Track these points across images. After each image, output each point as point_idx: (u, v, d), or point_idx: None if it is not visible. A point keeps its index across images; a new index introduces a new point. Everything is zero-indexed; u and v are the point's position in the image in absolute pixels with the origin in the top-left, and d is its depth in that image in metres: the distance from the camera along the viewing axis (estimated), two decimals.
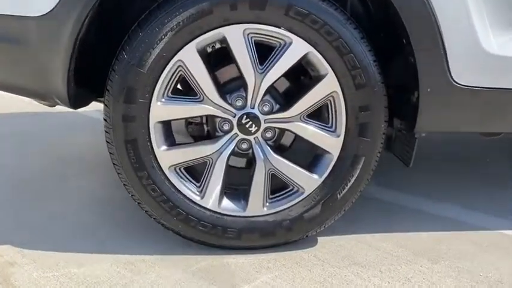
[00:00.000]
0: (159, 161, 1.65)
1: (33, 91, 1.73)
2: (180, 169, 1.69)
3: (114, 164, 1.66)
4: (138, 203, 1.70)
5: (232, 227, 1.71)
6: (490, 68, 1.66)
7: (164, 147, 1.66)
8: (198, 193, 1.70)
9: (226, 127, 1.67)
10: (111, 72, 1.61)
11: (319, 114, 1.71)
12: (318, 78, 1.65)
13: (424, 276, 1.63)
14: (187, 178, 1.70)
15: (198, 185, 1.70)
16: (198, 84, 1.61)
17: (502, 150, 2.79)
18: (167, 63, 1.58)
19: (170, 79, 1.61)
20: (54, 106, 1.88)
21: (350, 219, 1.92)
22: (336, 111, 1.67)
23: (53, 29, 1.58)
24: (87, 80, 1.75)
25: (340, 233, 1.87)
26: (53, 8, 1.57)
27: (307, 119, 1.68)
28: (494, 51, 1.65)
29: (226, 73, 1.71)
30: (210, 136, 1.74)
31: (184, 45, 1.57)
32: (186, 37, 1.57)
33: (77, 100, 1.71)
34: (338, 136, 1.67)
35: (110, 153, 1.65)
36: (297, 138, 1.74)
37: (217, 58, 1.72)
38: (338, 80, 1.62)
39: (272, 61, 1.62)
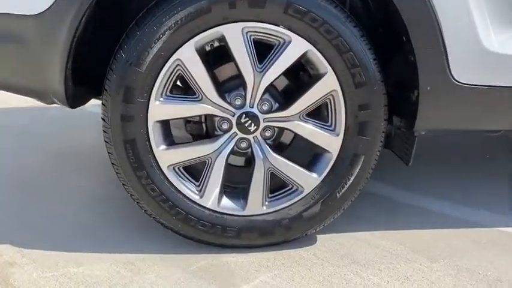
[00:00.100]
0: (158, 160, 1.64)
1: (30, 90, 1.72)
2: (179, 168, 1.69)
3: (113, 163, 1.66)
4: (137, 202, 1.69)
5: (232, 226, 1.71)
6: (490, 66, 1.66)
7: (163, 146, 1.65)
8: (197, 192, 1.69)
9: (225, 126, 1.66)
10: (109, 72, 1.59)
11: (318, 113, 1.70)
12: (318, 76, 1.64)
13: (423, 274, 1.63)
14: (186, 177, 1.70)
15: (197, 184, 1.70)
16: (197, 83, 1.60)
17: (502, 147, 2.78)
18: (165, 62, 1.57)
19: (169, 78, 1.60)
20: (52, 104, 1.87)
21: (349, 216, 1.92)
22: (335, 109, 1.66)
23: (49, 28, 1.57)
24: (85, 78, 1.74)
25: (340, 230, 1.87)
26: (50, 6, 1.55)
27: (306, 117, 1.67)
28: (495, 49, 1.64)
29: (225, 72, 1.70)
30: (209, 135, 1.73)
31: (183, 44, 1.56)
32: (184, 36, 1.55)
33: (74, 99, 1.70)
34: (337, 135, 1.67)
35: (109, 152, 1.65)
36: (296, 136, 1.73)
37: (216, 56, 1.71)
38: (337, 79, 1.61)
39: (271, 60, 1.61)
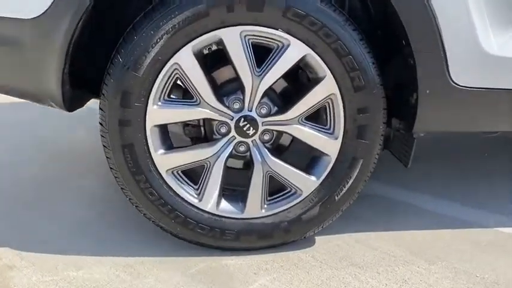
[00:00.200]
0: (156, 164, 1.64)
1: (27, 93, 1.71)
2: (177, 172, 1.68)
3: (111, 168, 1.65)
4: (136, 206, 1.69)
5: (231, 229, 1.71)
6: (490, 69, 1.65)
7: (161, 150, 1.65)
8: (196, 196, 1.69)
9: (223, 130, 1.66)
10: (106, 76, 1.58)
11: (317, 116, 1.70)
12: (316, 80, 1.63)
13: (421, 277, 1.64)
14: (185, 181, 1.70)
15: (196, 187, 1.70)
16: (195, 87, 1.59)
17: (501, 146, 2.77)
18: (163, 67, 1.56)
19: (166, 82, 1.59)
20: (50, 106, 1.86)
21: (347, 216, 1.91)
22: (334, 113, 1.65)
23: (46, 32, 1.56)
24: (82, 82, 1.73)
25: (338, 231, 1.88)
26: (46, 10, 1.54)
27: (305, 121, 1.66)
28: (494, 52, 1.63)
29: (223, 75, 1.69)
30: (207, 137, 1.72)
31: (181, 48, 1.55)
32: (182, 40, 1.54)
33: (72, 102, 1.70)
34: (336, 138, 1.66)
35: (107, 157, 1.64)
36: (295, 139, 1.72)
37: (214, 60, 1.70)
38: (336, 82, 1.61)
39: (270, 64, 1.60)
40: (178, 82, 1.75)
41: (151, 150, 1.63)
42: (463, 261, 1.73)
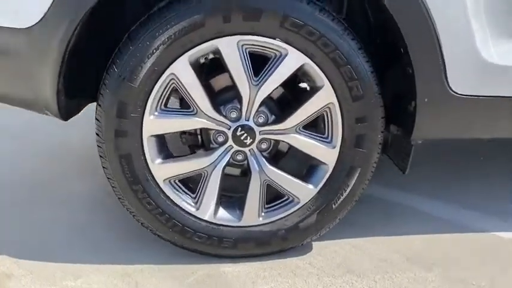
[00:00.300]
0: (153, 174, 1.63)
1: (23, 102, 1.69)
2: (174, 181, 1.68)
3: (108, 177, 1.65)
4: (134, 215, 1.69)
5: (228, 237, 1.71)
6: (489, 77, 1.64)
7: (159, 160, 1.64)
8: (193, 204, 1.69)
9: (220, 139, 1.65)
10: (102, 87, 1.57)
11: (315, 125, 1.69)
12: (314, 89, 1.62)
13: (418, 285, 1.65)
14: (182, 190, 1.69)
15: (193, 196, 1.69)
16: (191, 97, 1.58)
17: (501, 148, 2.74)
18: (159, 77, 1.54)
19: (163, 92, 1.57)
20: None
21: (343, 220, 1.86)
22: (332, 122, 1.64)
23: (40, 42, 1.53)
24: (78, 90, 1.71)
25: (335, 236, 1.87)
26: (40, 20, 1.51)
27: (302, 130, 1.65)
28: (493, 61, 1.61)
29: (220, 83, 1.68)
30: (205, 145, 1.71)
31: (177, 58, 1.53)
32: (178, 50, 1.52)
33: (67, 111, 1.68)
34: (334, 147, 1.66)
35: (104, 167, 1.63)
36: (293, 147, 1.72)
37: (211, 68, 1.68)
38: (335, 92, 1.59)
39: (267, 73, 1.58)
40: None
41: (148, 160, 1.62)
42: (459, 269, 1.74)
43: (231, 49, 1.54)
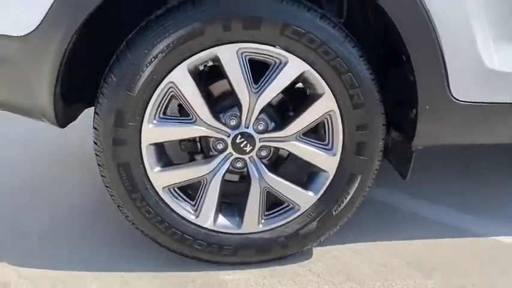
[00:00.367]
0: (152, 182, 1.62)
1: (20, 109, 1.67)
2: (174, 189, 1.66)
3: (106, 186, 1.63)
4: (133, 223, 1.68)
5: (228, 244, 1.70)
6: (491, 84, 1.62)
7: (158, 168, 1.62)
8: (193, 212, 1.68)
9: (220, 146, 1.63)
10: (99, 95, 1.54)
11: (315, 131, 1.67)
12: (315, 96, 1.60)
13: None
14: (181, 197, 1.68)
15: (192, 203, 1.68)
16: (191, 105, 1.56)
17: (503, 152, 2.72)
18: (158, 85, 1.52)
19: (161, 100, 1.55)
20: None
21: (344, 223, 1.90)
22: (332, 129, 1.63)
23: (37, 49, 1.51)
24: (75, 96, 1.69)
25: (334, 241, 1.86)
26: (36, 28, 1.48)
27: (303, 137, 1.64)
28: (496, 67, 1.60)
29: (219, 90, 1.66)
30: (204, 152, 1.70)
31: (176, 67, 1.51)
32: (177, 58, 1.50)
33: (64, 119, 1.66)
34: (334, 155, 1.64)
35: (102, 175, 1.62)
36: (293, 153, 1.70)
37: (210, 75, 1.66)
38: (335, 99, 1.58)
39: (267, 80, 1.56)
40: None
41: (147, 169, 1.60)
42: (459, 274, 1.74)
43: (230, 57, 1.52)
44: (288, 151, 1.66)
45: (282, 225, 1.71)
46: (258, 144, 1.63)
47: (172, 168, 1.65)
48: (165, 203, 1.65)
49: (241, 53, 1.52)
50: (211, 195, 1.66)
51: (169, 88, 1.53)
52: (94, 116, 1.57)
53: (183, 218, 1.67)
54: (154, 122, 1.57)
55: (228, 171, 1.66)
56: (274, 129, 1.63)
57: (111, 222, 1.99)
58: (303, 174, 1.74)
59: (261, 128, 1.62)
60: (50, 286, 1.64)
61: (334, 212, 1.70)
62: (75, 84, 1.63)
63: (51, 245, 1.87)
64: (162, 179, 1.63)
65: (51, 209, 2.12)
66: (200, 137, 1.67)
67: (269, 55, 1.54)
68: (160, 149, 1.64)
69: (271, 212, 1.72)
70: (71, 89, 1.62)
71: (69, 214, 2.09)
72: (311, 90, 1.62)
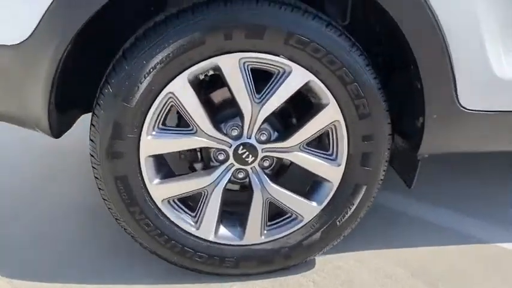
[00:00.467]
0: (151, 195, 1.57)
1: (13, 119, 1.61)
2: (173, 201, 1.62)
3: (104, 199, 1.58)
4: (132, 236, 1.63)
5: (230, 256, 1.66)
6: (501, 93, 1.57)
7: (157, 180, 1.57)
8: (193, 224, 1.63)
9: (221, 157, 1.58)
10: (95, 106, 1.48)
11: (319, 140, 1.63)
12: (319, 106, 1.54)
13: None
14: (181, 209, 1.63)
15: (193, 215, 1.63)
16: (191, 116, 1.50)
17: (507, 155, 2.68)
18: (157, 96, 1.46)
19: (160, 112, 1.49)
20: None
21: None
22: (337, 139, 1.58)
23: (30, 59, 1.44)
24: (70, 104, 1.63)
25: (338, 249, 1.81)
26: (29, 37, 1.42)
27: (306, 147, 1.59)
28: (506, 76, 1.54)
29: (220, 100, 1.60)
30: (204, 161, 1.65)
31: (175, 77, 1.45)
32: (176, 69, 1.44)
33: (59, 129, 1.60)
34: (339, 165, 1.60)
35: (99, 188, 1.56)
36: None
37: (211, 84, 1.60)
38: (340, 110, 1.52)
39: (270, 90, 1.50)
40: None
41: (145, 181, 1.55)
42: (464, 284, 1.71)
43: (232, 67, 1.46)
44: (291, 161, 1.61)
45: (284, 236, 1.67)
46: (260, 155, 1.58)
47: (172, 180, 1.60)
48: (165, 215, 1.60)
49: (244, 63, 1.46)
50: (213, 207, 1.61)
51: (168, 99, 1.48)
52: (90, 128, 1.51)
53: (183, 230, 1.62)
54: (153, 133, 1.51)
55: (229, 181, 1.61)
56: (277, 140, 1.58)
57: (113, 231, 1.89)
58: (306, 184, 1.69)
59: (263, 138, 1.57)
60: None
61: (338, 223, 1.66)
62: (70, 92, 1.57)
63: (45, 255, 1.81)
64: (161, 191, 1.58)
65: (50, 212, 2.07)
66: (201, 148, 1.62)
67: (272, 64, 1.48)
68: (159, 160, 1.59)
69: (273, 222, 1.68)
70: (65, 97, 1.56)
71: (68, 217, 2.04)
72: (315, 99, 1.56)
